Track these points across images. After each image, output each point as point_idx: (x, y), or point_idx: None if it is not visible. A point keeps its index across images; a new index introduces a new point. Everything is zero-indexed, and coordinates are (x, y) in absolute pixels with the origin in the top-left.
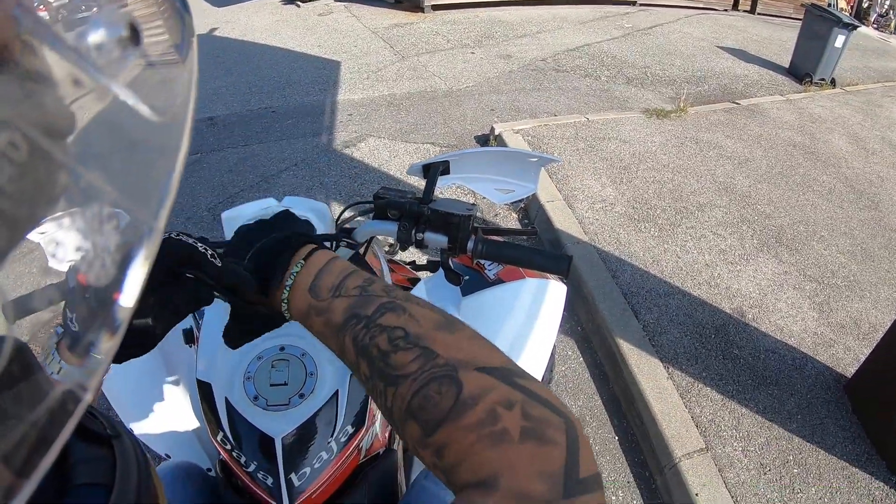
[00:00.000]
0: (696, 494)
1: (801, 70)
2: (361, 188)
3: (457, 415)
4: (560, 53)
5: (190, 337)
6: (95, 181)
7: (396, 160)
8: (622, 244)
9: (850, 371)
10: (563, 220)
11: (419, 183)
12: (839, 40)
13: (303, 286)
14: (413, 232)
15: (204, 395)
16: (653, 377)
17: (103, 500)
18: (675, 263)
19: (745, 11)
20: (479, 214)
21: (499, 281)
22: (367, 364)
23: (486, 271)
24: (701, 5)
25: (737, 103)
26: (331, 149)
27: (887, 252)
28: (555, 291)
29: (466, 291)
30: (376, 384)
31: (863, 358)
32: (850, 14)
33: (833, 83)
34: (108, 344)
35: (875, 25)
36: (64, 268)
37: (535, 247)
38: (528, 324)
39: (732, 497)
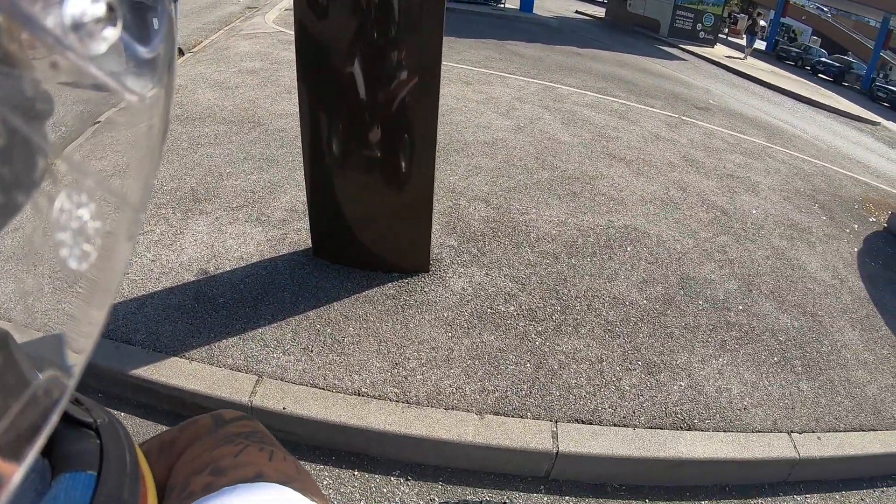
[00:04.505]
0: (284, 409)
1: None
2: None
3: None
4: None
5: None
6: (74, 165)
7: None
8: None
9: (310, 242)
10: None
11: None
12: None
13: None
14: None
15: None
16: (163, 370)
17: (91, 487)
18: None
19: None
20: None
21: None
22: None
23: None
24: None
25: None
26: None
27: (289, 155)
28: None
29: None
30: None
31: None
32: None
33: (181, 52)
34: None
35: None
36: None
37: None
38: None
39: (307, 384)
